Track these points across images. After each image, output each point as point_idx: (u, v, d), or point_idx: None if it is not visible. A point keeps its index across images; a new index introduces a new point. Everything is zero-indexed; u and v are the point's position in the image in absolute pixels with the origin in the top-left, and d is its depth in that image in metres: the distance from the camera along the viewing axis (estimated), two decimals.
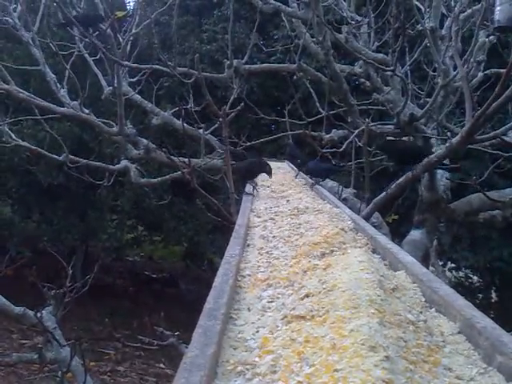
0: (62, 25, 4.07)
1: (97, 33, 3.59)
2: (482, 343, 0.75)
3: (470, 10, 3.63)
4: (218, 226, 4.14)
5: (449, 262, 6.18)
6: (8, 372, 4.71)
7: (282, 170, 3.15)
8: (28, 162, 5.79)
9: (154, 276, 9.22)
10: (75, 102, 4.01)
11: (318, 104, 3.75)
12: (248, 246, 1.34)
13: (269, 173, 2.36)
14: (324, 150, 3.09)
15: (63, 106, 3.99)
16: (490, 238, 5.61)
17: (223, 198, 2.94)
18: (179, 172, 3.02)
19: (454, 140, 2.22)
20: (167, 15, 6.12)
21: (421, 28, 3.27)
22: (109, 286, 7.73)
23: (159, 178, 4.44)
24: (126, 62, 3.67)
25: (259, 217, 1.72)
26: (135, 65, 3.84)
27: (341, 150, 3.05)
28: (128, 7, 7.21)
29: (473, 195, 3.52)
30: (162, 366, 5.70)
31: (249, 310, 0.89)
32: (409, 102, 2.95)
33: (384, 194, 2.55)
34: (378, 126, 3.36)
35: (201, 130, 3.77)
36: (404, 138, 3.10)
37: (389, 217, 3.51)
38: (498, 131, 2.54)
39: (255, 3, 3.96)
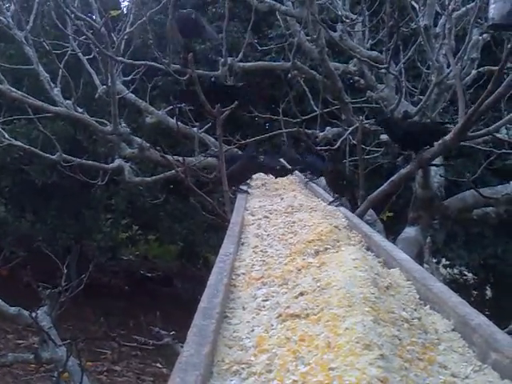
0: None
1: (91, 31, 3.58)
2: (477, 340, 0.76)
3: (463, 8, 3.64)
4: (213, 224, 4.14)
5: (443, 259, 6.20)
6: (4, 372, 4.69)
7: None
8: (21, 161, 5.76)
9: (150, 275, 9.20)
10: (69, 101, 3.99)
11: (312, 102, 3.75)
12: (242, 244, 1.34)
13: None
14: (318, 148, 3.09)
15: (57, 105, 3.98)
16: (484, 236, 5.63)
17: (218, 196, 2.94)
18: (173, 171, 3.02)
19: (447, 137, 2.23)
20: (162, 14, 6.10)
21: (415, 26, 3.28)
22: (104, 286, 7.71)
23: (154, 177, 4.43)
24: (121, 58, 3.66)
25: (253, 215, 1.71)
26: (129, 61, 3.83)
27: (335, 147, 3.06)
28: (122, 6, 7.19)
29: (466, 192, 3.53)
30: (158, 365, 5.69)
31: (243, 308, 0.89)
32: (403, 99, 2.95)
33: (378, 191, 2.56)
34: (372, 124, 3.37)
35: (195, 129, 3.76)
36: (415, 119, 3.02)
37: (383, 214, 3.52)
38: (490, 128, 2.55)
39: (250, 1, 3.95)
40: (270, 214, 1.72)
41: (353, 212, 1.93)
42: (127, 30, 3.88)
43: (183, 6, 7.29)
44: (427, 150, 2.34)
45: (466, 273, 7.06)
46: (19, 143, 4.21)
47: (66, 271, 3.12)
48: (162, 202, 5.31)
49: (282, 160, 3.18)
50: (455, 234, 5.49)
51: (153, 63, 3.85)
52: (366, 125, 3.14)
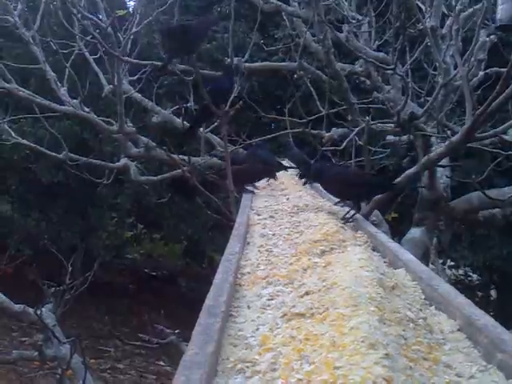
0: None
1: (97, 31, 3.59)
2: (482, 341, 0.75)
3: (470, 10, 3.63)
4: (218, 224, 4.14)
5: (448, 260, 6.18)
6: (8, 369, 4.71)
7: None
8: (28, 160, 5.78)
9: (154, 274, 9.22)
10: (75, 101, 4.00)
11: (318, 103, 3.75)
12: (248, 243, 1.34)
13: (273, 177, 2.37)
14: (324, 149, 3.09)
15: (63, 105, 3.99)
16: (490, 237, 5.61)
17: (223, 196, 2.94)
18: (179, 170, 3.02)
19: (454, 138, 2.22)
20: (167, 14, 6.10)
21: (421, 27, 3.27)
22: (109, 284, 7.73)
23: (159, 176, 4.44)
24: (127, 58, 3.66)
25: (259, 215, 1.71)
26: (136, 60, 3.83)
27: (341, 148, 3.05)
28: (128, 6, 7.21)
29: (473, 193, 3.52)
30: (161, 363, 5.69)
31: (249, 307, 0.89)
32: (409, 100, 2.94)
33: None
34: (378, 125, 3.36)
35: (201, 129, 3.76)
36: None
37: (389, 215, 3.51)
38: (497, 129, 2.54)
39: (256, 2, 3.95)
40: (276, 213, 1.72)
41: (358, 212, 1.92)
42: (133, 29, 3.89)
43: (188, 7, 7.32)
44: (434, 151, 2.33)
45: (471, 274, 7.04)
46: (26, 142, 4.23)
47: (70, 269, 3.13)
48: (168, 201, 5.32)
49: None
50: (460, 235, 5.47)
51: (159, 63, 3.85)
52: (372, 126, 3.13)
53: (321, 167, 1.95)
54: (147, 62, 3.99)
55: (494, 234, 5.51)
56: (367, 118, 3.07)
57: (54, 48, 3.88)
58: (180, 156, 3.13)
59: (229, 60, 3.82)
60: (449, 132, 3.09)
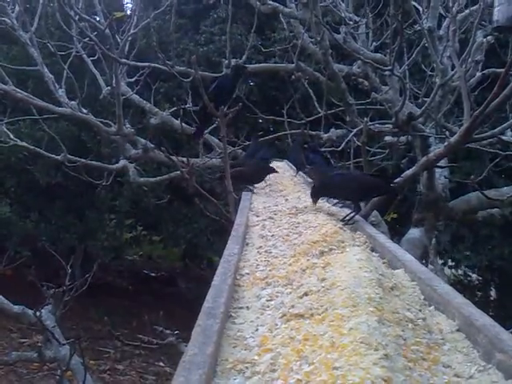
0: None
1: (95, 33, 3.60)
2: (481, 341, 0.76)
3: (467, 11, 3.64)
4: (217, 229, 4.14)
5: (449, 260, 6.19)
6: (7, 371, 4.70)
7: (280, 169, 3.15)
8: (26, 161, 5.78)
9: (153, 275, 9.22)
10: (73, 102, 4.01)
11: (316, 104, 3.75)
12: (247, 244, 1.34)
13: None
14: (323, 149, 3.09)
15: (61, 106, 3.99)
16: (492, 237, 5.61)
17: (222, 198, 2.94)
18: (178, 171, 3.02)
19: (453, 139, 2.22)
20: (161, 19, 6.11)
21: (419, 28, 3.28)
22: (108, 285, 7.72)
23: (158, 178, 4.44)
24: (124, 60, 3.67)
25: (258, 216, 1.71)
26: (133, 62, 3.84)
27: (339, 149, 3.05)
28: (126, 8, 7.22)
29: (471, 194, 3.53)
30: (161, 364, 5.69)
31: (248, 308, 0.89)
32: (407, 101, 2.95)
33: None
34: (377, 126, 3.37)
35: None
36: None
37: (388, 215, 3.52)
38: (495, 130, 2.55)
39: (253, 4, 3.96)
40: (275, 214, 1.72)
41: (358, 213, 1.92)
42: (131, 31, 3.89)
43: (183, 12, 7.32)
44: (432, 151, 2.34)
45: (471, 274, 7.03)
46: (24, 144, 4.23)
47: (70, 271, 3.13)
48: (166, 204, 5.32)
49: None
50: (463, 236, 5.48)
51: (156, 65, 3.86)
52: (371, 126, 3.13)
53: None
54: (145, 64, 3.99)
55: (496, 233, 5.52)
56: (365, 118, 3.08)
57: (52, 50, 3.88)
58: (179, 157, 3.13)
59: (226, 61, 3.83)
60: (447, 133, 3.10)
